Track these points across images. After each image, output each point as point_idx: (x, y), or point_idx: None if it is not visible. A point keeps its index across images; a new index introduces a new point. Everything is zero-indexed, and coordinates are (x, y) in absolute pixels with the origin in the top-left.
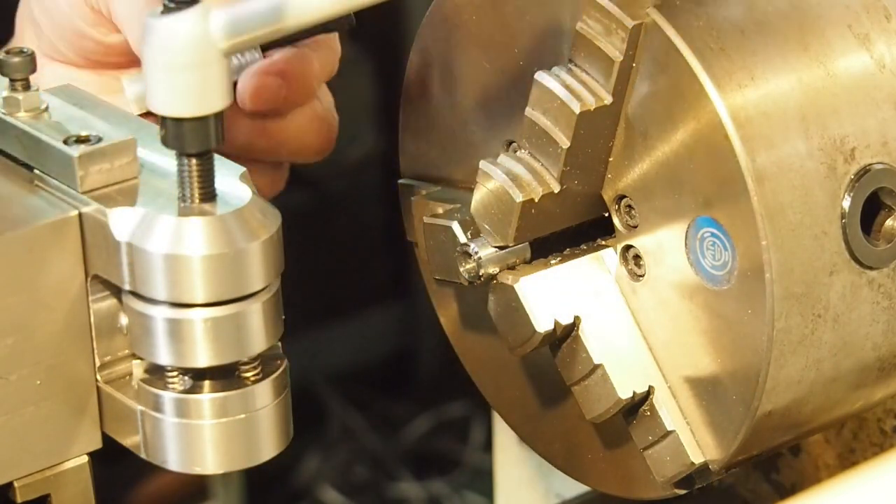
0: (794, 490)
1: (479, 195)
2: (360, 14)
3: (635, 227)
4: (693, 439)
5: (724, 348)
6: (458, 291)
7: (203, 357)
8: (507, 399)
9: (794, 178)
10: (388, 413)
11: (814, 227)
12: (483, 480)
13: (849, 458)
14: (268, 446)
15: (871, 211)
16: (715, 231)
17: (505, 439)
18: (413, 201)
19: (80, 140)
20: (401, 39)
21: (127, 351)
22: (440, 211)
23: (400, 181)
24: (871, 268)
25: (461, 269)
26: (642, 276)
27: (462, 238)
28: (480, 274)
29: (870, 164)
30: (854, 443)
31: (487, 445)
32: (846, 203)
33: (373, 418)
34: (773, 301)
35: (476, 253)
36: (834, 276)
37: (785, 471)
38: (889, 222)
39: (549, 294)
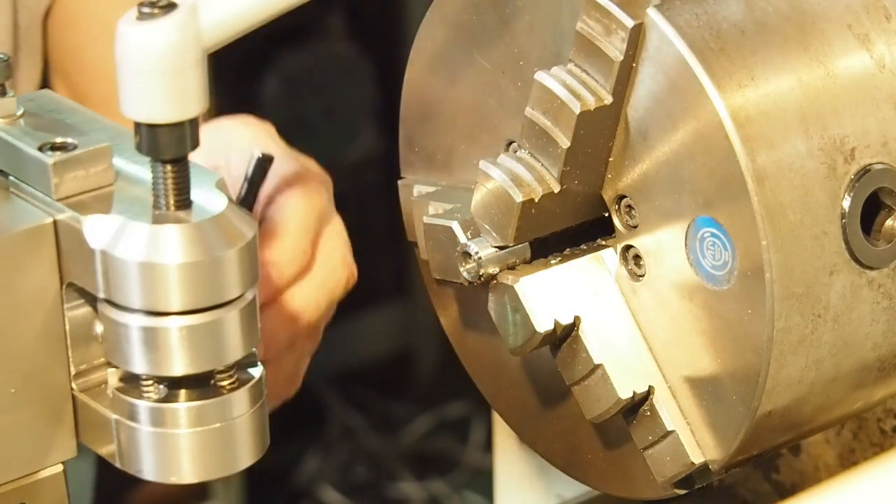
0: (794, 490)
1: (479, 195)
2: (361, 14)
3: (635, 227)
4: (693, 439)
5: (724, 348)
6: (458, 291)
7: (179, 366)
8: (507, 399)
9: (794, 178)
10: (388, 413)
11: (814, 227)
12: (483, 480)
13: (849, 458)
14: (245, 455)
15: (871, 211)
16: (715, 231)
17: (505, 439)
18: (413, 201)
19: (56, 147)
20: (401, 39)
21: (102, 359)
22: (440, 211)
23: (400, 181)
24: (871, 268)
25: (461, 269)
26: (642, 276)
27: (462, 238)
28: (480, 274)
29: (870, 164)
30: (854, 443)
31: (487, 445)
32: (846, 203)
33: (373, 418)
34: (773, 301)
35: (476, 253)
36: (834, 276)
37: (785, 471)
38: (889, 222)
39: (549, 294)
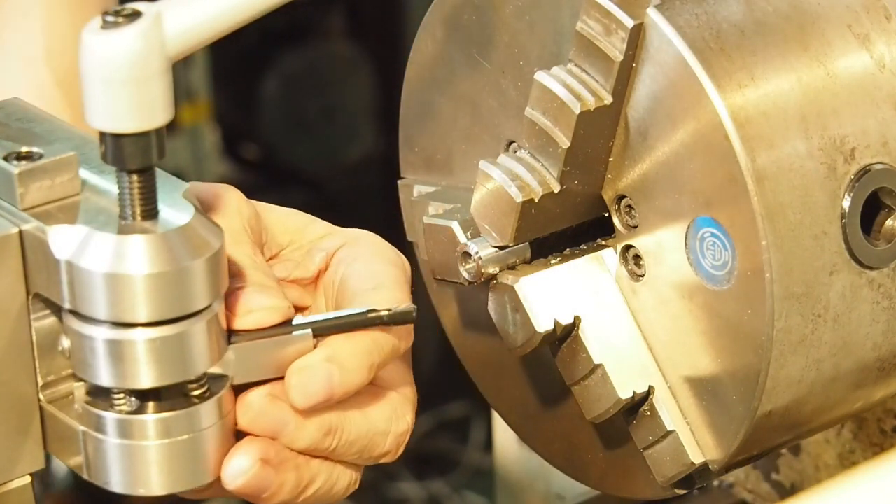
0: (794, 490)
1: (479, 195)
2: (361, 14)
3: (635, 227)
4: (693, 439)
5: (724, 348)
6: (458, 291)
7: (146, 378)
8: (507, 399)
9: (794, 178)
10: None
11: (814, 227)
12: (483, 480)
13: (849, 458)
14: (214, 466)
15: (871, 211)
16: (715, 231)
17: (505, 439)
18: (413, 201)
19: (21, 156)
20: (401, 39)
21: (70, 370)
22: (440, 211)
23: (400, 181)
24: (871, 268)
25: (461, 269)
26: (642, 276)
27: (462, 238)
28: (480, 274)
29: (870, 164)
30: (854, 443)
31: (487, 445)
32: (846, 203)
33: None
34: (773, 301)
35: (476, 253)
36: (834, 276)
37: (785, 471)
38: (889, 222)
39: (549, 294)
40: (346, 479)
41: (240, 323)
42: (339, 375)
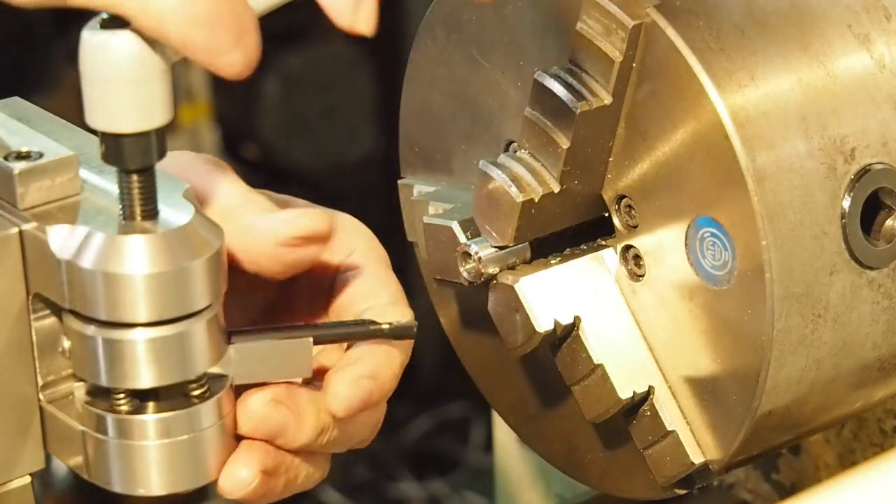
0: (794, 490)
1: (479, 195)
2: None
3: (635, 227)
4: (693, 439)
5: (724, 348)
6: (458, 291)
7: (146, 378)
8: (507, 399)
9: (794, 178)
10: (388, 413)
11: (814, 227)
12: (483, 480)
13: (849, 458)
14: (213, 466)
15: (871, 211)
16: (715, 231)
17: (505, 439)
18: (413, 201)
19: (21, 156)
20: (401, 39)
21: (70, 370)
22: (440, 211)
23: (400, 181)
24: (871, 268)
25: (461, 269)
26: (642, 276)
27: (462, 238)
28: (480, 274)
29: (870, 164)
30: (854, 443)
31: (487, 445)
32: (846, 203)
33: None
34: (773, 301)
35: (476, 253)
36: (834, 276)
37: (785, 471)
38: (889, 222)
39: (549, 294)
40: (321, 469)
41: (288, 229)
42: (377, 395)
